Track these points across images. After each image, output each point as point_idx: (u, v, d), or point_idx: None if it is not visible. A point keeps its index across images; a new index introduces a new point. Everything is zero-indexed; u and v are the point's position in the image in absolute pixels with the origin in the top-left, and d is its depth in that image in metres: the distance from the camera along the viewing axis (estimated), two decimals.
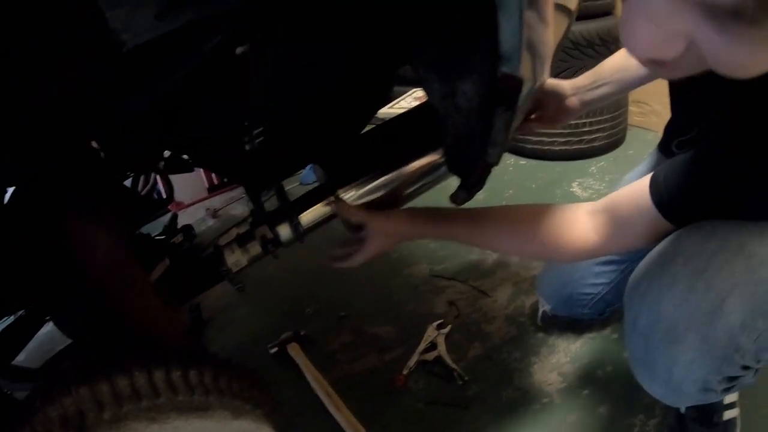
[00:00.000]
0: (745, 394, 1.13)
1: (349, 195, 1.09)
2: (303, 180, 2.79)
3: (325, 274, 1.99)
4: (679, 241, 0.82)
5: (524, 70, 0.58)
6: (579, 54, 2.44)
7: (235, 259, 1.13)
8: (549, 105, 1.23)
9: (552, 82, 1.22)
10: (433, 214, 1.04)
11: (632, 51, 0.49)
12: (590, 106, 1.25)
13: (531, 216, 0.96)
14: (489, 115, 0.62)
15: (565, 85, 1.23)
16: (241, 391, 0.77)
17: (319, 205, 1.14)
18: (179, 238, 2.55)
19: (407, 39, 0.74)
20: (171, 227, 2.54)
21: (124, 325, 0.85)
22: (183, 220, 2.66)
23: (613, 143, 2.65)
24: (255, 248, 1.14)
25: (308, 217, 1.13)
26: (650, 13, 0.44)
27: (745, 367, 0.80)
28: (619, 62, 1.21)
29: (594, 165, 2.49)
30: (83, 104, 0.69)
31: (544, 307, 1.50)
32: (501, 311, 1.64)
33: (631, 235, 0.88)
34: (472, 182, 0.84)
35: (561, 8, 0.81)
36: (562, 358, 1.45)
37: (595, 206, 0.92)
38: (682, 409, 1.16)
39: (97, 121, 0.74)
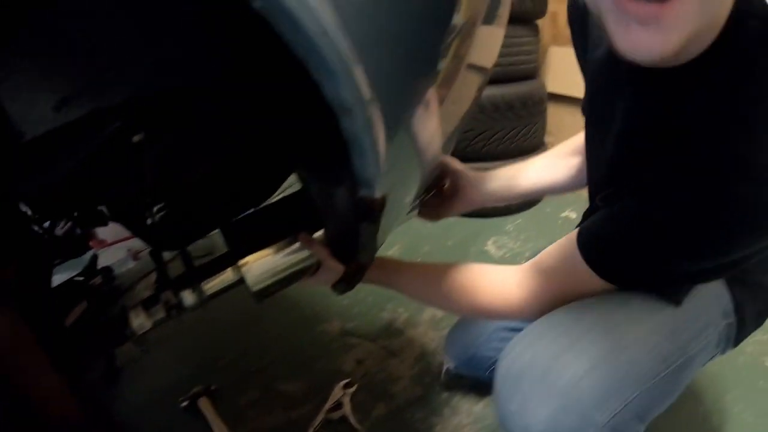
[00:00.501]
0: None
1: (251, 264, 1.13)
2: None
3: (239, 325, 2.00)
4: (551, 319, 0.90)
5: (391, 186, 0.64)
6: (499, 116, 2.52)
7: (140, 322, 1.14)
8: (447, 191, 1.30)
9: (456, 169, 1.28)
10: (382, 262, 1.10)
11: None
12: (492, 202, 1.32)
13: (464, 273, 1.04)
14: (355, 223, 0.67)
15: (468, 174, 1.29)
16: None
17: (227, 271, 1.17)
18: (98, 279, 2.52)
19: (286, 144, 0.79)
20: (90, 268, 2.49)
21: (20, 405, 0.85)
22: (104, 259, 2.61)
23: (530, 201, 2.73)
24: (159, 312, 1.16)
25: (212, 284, 1.16)
26: None
27: None
28: (531, 165, 1.31)
29: (510, 223, 2.57)
30: None
31: (449, 365, 1.55)
32: (407, 371, 1.68)
33: (554, 293, 0.94)
34: (350, 276, 0.88)
35: (474, 67, 0.87)
36: (464, 419, 1.49)
37: (525, 268, 0.99)
38: None
39: None
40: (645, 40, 0.63)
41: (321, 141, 0.68)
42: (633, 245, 0.81)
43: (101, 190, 0.91)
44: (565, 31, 3.47)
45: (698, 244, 0.76)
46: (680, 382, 0.94)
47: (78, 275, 2.40)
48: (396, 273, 1.10)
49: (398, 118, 0.63)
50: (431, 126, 0.77)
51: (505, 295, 0.99)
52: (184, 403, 1.63)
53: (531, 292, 0.96)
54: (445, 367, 1.58)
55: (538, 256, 0.98)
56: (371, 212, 0.63)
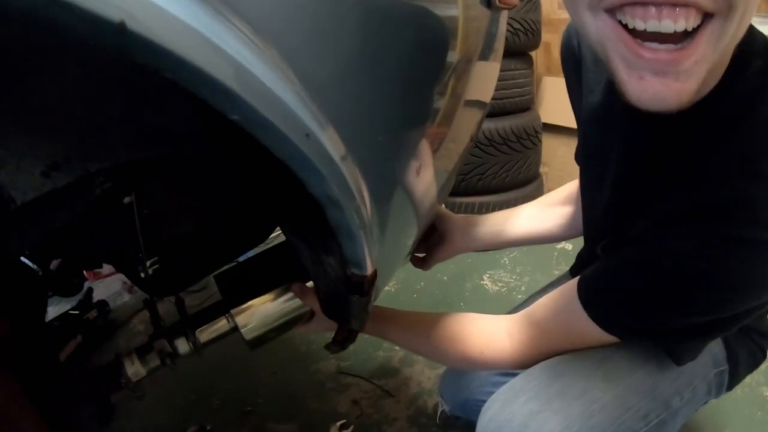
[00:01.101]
0: None
1: (245, 312, 1.13)
2: None
3: (233, 365, 1.99)
4: (533, 375, 0.89)
5: (383, 256, 0.65)
6: (494, 150, 2.54)
7: (135, 370, 1.14)
8: (433, 238, 1.31)
9: (442, 216, 1.28)
10: (374, 312, 1.09)
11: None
12: (477, 248, 1.32)
13: (454, 324, 1.03)
14: (345, 296, 0.68)
15: (455, 221, 1.29)
16: None
17: (221, 319, 1.17)
18: (93, 313, 2.51)
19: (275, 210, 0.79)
20: (86, 301, 2.49)
21: None
22: (99, 291, 2.61)
23: None
24: (153, 360, 1.15)
25: (207, 332, 1.16)
26: None
27: None
28: (518, 213, 1.31)
29: (506, 256, 2.56)
30: None
31: (444, 407, 1.55)
32: (403, 411, 1.67)
33: (547, 345, 0.93)
34: (343, 339, 0.89)
35: (473, 102, 0.88)
36: None
37: (516, 318, 0.98)
38: None
39: None
40: (662, 90, 0.60)
41: (310, 216, 0.69)
42: (636, 298, 0.80)
43: (93, 245, 0.92)
44: (557, 61, 3.52)
45: (703, 295, 0.74)
46: None
47: (73, 309, 2.40)
48: (387, 324, 1.10)
49: (391, 187, 0.64)
50: (426, 179, 0.78)
51: (497, 346, 0.98)
52: None
53: (523, 344, 0.95)
54: (440, 410, 1.57)
55: (532, 307, 0.97)
56: (361, 287, 0.63)
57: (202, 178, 0.89)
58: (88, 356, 2.27)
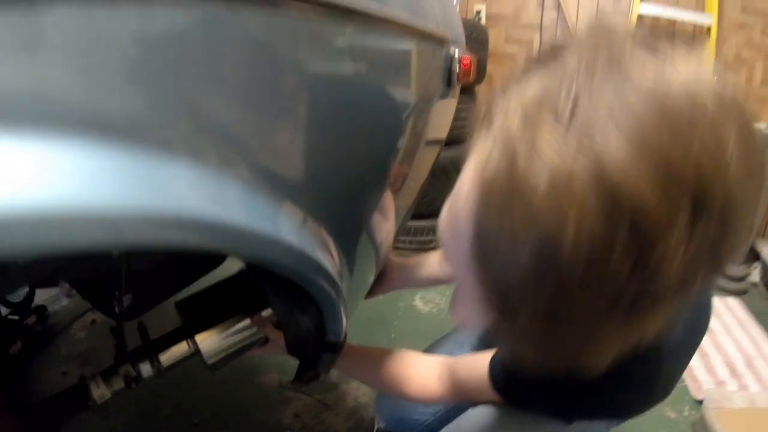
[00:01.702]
0: None
1: (204, 338, 1.22)
2: None
3: (178, 377, 2.01)
4: (459, 424, 1.04)
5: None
6: (442, 178, 2.66)
7: (100, 393, 1.20)
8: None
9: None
10: None
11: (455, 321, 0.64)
12: (412, 286, 1.45)
13: (398, 364, 1.15)
14: (318, 352, 0.79)
15: (392, 261, 1.41)
16: None
17: (182, 344, 1.26)
18: (33, 318, 2.49)
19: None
20: (25, 306, 2.44)
21: None
22: (36, 295, 2.57)
23: None
24: (118, 383, 1.23)
25: (168, 355, 1.25)
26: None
27: None
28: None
29: None
30: None
31: (380, 424, 1.67)
32: (342, 425, 1.79)
33: (467, 396, 1.06)
34: (307, 379, 1.00)
35: (432, 142, 0.99)
36: None
37: (446, 365, 1.09)
38: None
39: None
40: None
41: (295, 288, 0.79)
42: (534, 384, 0.90)
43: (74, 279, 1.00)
44: None
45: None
46: None
47: (11, 313, 2.36)
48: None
49: (358, 239, 0.75)
50: (389, 231, 0.90)
51: (429, 390, 1.11)
52: None
53: (447, 390, 1.08)
54: (376, 427, 1.70)
55: (459, 362, 1.09)
56: (335, 348, 0.75)
57: None
58: (29, 362, 2.27)
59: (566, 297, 0.45)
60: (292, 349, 0.95)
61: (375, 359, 1.18)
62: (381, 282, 1.41)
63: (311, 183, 0.61)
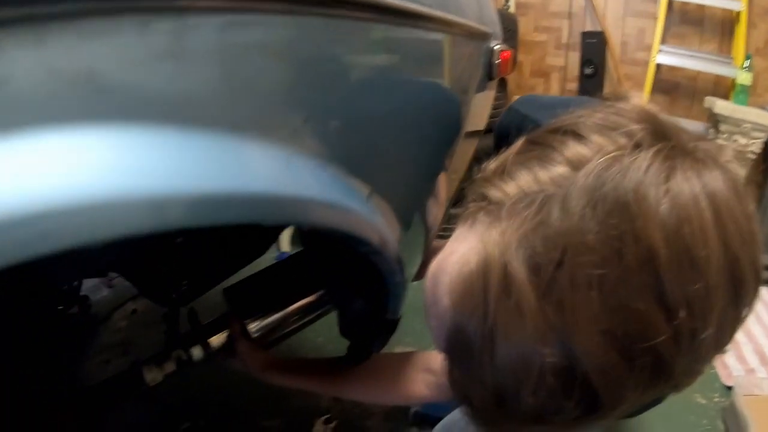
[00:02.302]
0: None
1: (252, 325, 1.27)
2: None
3: (220, 364, 2.08)
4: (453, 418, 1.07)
5: None
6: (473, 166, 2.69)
7: (153, 376, 1.26)
8: None
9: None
10: (286, 365, 1.24)
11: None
12: None
13: (374, 371, 1.13)
14: (374, 330, 0.84)
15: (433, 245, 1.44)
16: None
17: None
18: (75, 309, 2.55)
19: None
20: (69, 296, 2.49)
21: None
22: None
23: None
24: (170, 367, 1.28)
25: (218, 340, 1.30)
26: None
27: None
28: None
29: None
30: None
31: (415, 407, 1.72)
32: (380, 408, 1.83)
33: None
34: (358, 359, 1.04)
35: (470, 134, 1.03)
36: None
37: (427, 367, 1.08)
38: None
39: None
40: None
41: (354, 276, 0.83)
42: None
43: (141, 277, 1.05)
44: (529, 81, 3.71)
45: None
46: None
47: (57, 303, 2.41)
48: (302, 377, 1.22)
49: (416, 233, 0.79)
50: (437, 215, 0.94)
51: (418, 395, 1.09)
52: None
53: (438, 393, 1.06)
54: (412, 410, 1.74)
55: (437, 365, 1.05)
56: (391, 327, 0.79)
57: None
58: (73, 351, 2.33)
59: (517, 418, 0.47)
60: (345, 331, 0.99)
61: (342, 371, 1.16)
62: (426, 266, 1.42)
63: (376, 162, 0.64)
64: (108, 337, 2.42)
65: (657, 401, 0.99)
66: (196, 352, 1.29)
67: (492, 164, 0.54)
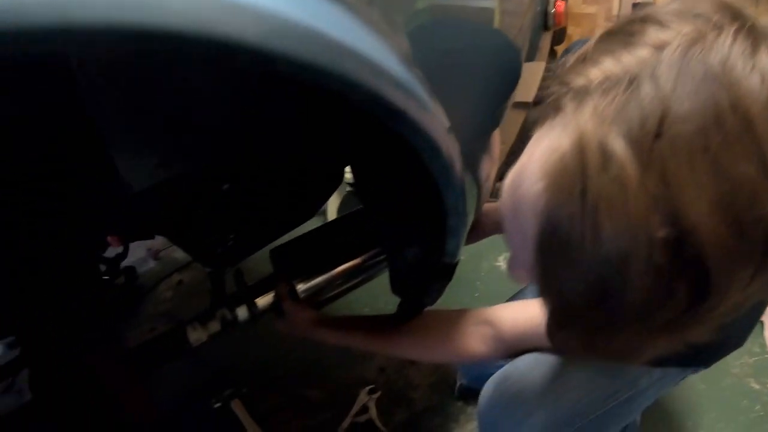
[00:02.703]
0: None
1: (300, 286, 1.24)
2: None
3: (262, 333, 2.07)
4: (520, 364, 1.04)
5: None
6: (519, 140, 2.64)
7: (197, 336, 1.25)
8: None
9: None
10: (336, 322, 1.21)
11: (512, 278, 0.66)
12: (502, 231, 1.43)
13: (426, 326, 1.09)
14: (429, 279, 0.80)
15: (486, 207, 1.40)
16: None
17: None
18: (121, 279, 2.59)
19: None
20: (114, 267, 2.53)
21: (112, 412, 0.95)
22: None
23: None
24: (215, 326, 1.26)
25: (263, 301, 1.28)
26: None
27: None
28: None
29: None
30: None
31: (462, 380, 1.69)
32: (425, 379, 1.80)
33: (520, 349, 1.04)
34: (409, 314, 1.00)
35: (519, 104, 0.99)
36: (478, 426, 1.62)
37: (485, 319, 1.05)
38: None
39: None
40: None
41: (406, 216, 0.79)
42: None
43: (185, 228, 1.03)
44: None
45: None
46: (634, 409, 1.06)
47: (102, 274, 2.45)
48: (350, 333, 1.19)
49: (470, 188, 0.76)
50: (489, 174, 0.90)
51: (472, 351, 1.06)
52: (217, 405, 1.74)
53: (495, 348, 1.04)
54: (458, 383, 1.71)
55: (496, 315, 1.04)
56: (448, 272, 0.75)
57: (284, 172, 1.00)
58: (118, 321, 2.36)
59: (619, 321, 0.46)
60: (396, 286, 0.95)
61: (399, 330, 1.12)
62: (476, 229, 1.39)
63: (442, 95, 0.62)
64: (154, 308, 2.46)
65: (748, 327, 0.97)
66: (241, 312, 1.27)
67: (571, 58, 0.52)
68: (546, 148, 0.47)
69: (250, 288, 1.29)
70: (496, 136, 0.91)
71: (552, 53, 2.76)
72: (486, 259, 2.50)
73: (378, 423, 1.62)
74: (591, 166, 0.42)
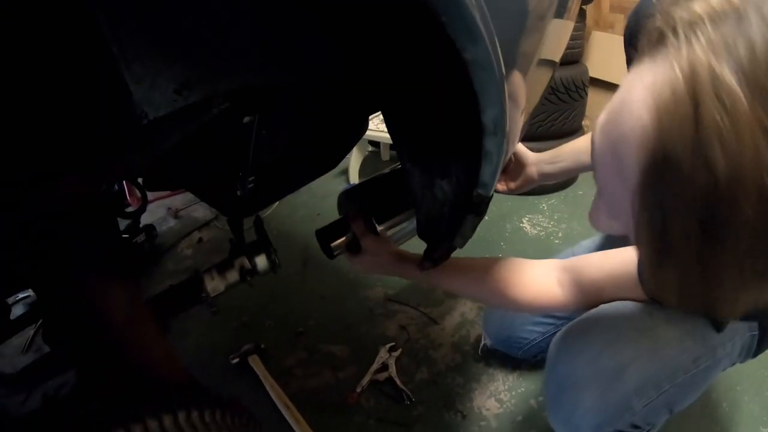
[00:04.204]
0: None
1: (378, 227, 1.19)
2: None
3: (283, 290, 2.08)
4: (602, 313, 0.97)
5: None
6: (542, 99, 2.58)
7: (214, 285, 1.21)
8: (511, 170, 1.38)
9: (518, 150, 1.35)
10: (418, 258, 1.15)
11: (596, 228, 0.62)
12: (547, 180, 1.38)
13: (506, 271, 1.08)
14: (460, 216, 0.75)
15: (529, 155, 1.37)
16: (243, 425, 0.87)
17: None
18: (141, 237, 2.59)
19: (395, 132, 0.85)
20: (134, 226, 2.53)
21: (135, 366, 0.92)
22: (143, 217, 2.66)
23: (564, 183, 2.80)
24: (233, 276, 1.23)
25: (339, 241, 1.23)
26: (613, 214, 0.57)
27: (636, 426, 0.97)
28: (580, 146, 1.34)
29: (544, 202, 2.62)
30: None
31: (486, 341, 1.66)
32: (447, 339, 1.78)
33: (597, 298, 1.00)
34: (438, 257, 0.96)
35: (546, 62, 0.94)
36: (500, 386, 1.60)
37: (564, 268, 1.03)
38: None
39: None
40: None
41: (439, 143, 0.75)
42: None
43: (206, 165, 0.98)
44: (609, 17, 3.53)
45: None
46: (707, 380, 1.01)
47: (122, 232, 2.46)
48: (437, 271, 1.12)
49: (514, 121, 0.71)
50: (517, 122, 0.85)
51: (548, 295, 1.04)
52: (235, 360, 1.74)
53: (574, 295, 1.02)
54: (482, 343, 1.68)
55: (583, 263, 1.02)
56: (481, 207, 0.71)
57: (307, 107, 0.95)
58: (138, 278, 2.36)
59: (722, 265, 0.45)
60: (425, 228, 0.91)
61: (482, 269, 1.11)
62: (518, 178, 1.39)
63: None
64: (174, 265, 2.46)
65: None
66: (261, 261, 1.23)
67: None
68: (652, 81, 0.46)
69: (324, 230, 1.25)
70: (521, 85, 0.85)
71: (581, 13, 2.68)
72: (510, 221, 2.46)
73: (398, 381, 1.59)
74: (704, 97, 0.41)
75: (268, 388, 1.61)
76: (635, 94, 0.48)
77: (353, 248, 1.21)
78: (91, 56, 0.58)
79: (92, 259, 0.92)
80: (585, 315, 1.03)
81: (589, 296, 1.01)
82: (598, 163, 0.54)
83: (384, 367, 1.65)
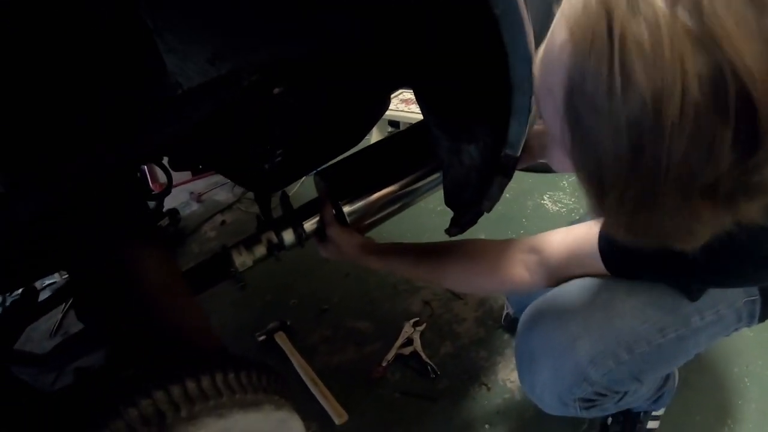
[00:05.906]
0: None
1: (347, 208, 1.22)
2: None
3: (307, 269, 2.10)
4: (563, 289, 0.99)
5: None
6: None
7: (242, 260, 1.23)
8: None
9: None
10: (383, 248, 1.17)
11: (555, 169, 0.63)
12: (544, 157, 1.37)
13: (469, 259, 1.07)
14: (488, 178, 0.76)
15: (536, 129, 1.36)
16: (278, 387, 0.89)
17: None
18: (165, 221, 2.61)
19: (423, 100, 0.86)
20: (157, 210, 2.55)
21: (170, 334, 0.94)
22: (166, 202, 2.68)
23: None
24: (260, 250, 1.24)
25: (309, 224, 1.26)
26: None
27: (601, 394, 0.98)
28: None
29: (565, 180, 2.60)
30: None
31: (509, 310, 1.67)
32: (471, 313, 1.79)
33: (563, 276, 1.00)
34: (465, 222, 0.97)
35: None
36: None
37: (531, 247, 1.02)
38: (608, 420, 1.35)
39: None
40: None
41: (470, 97, 0.75)
42: (654, 261, 0.84)
43: (235, 138, 1.00)
44: None
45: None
46: (685, 349, 1.00)
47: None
48: (400, 262, 1.15)
49: None
50: None
51: (516, 279, 1.03)
52: (262, 338, 1.77)
53: (539, 275, 1.02)
54: (505, 312, 1.69)
55: (545, 244, 1.01)
56: (509, 168, 0.72)
57: (335, 82, 0.96)
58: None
59: (659, 182, 0.43)
60: (451, 194, 0.92)
61: (442, 256, 1.10)
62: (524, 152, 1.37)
63: None
64: (199, 246, 2.50)
65: None
66: (288, 235, 1.25)
67: None
68: (568, 7, 0.45)
69: (296, 212, 1.27)
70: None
71: None
72: (531, 198, 2.46)
73: (423, 355, 1.61)
74: (616, 6, 0.39)
75: (295, 364, 1.64)
76: (556, 20, 0.47)
77: (321, 236, 1.24)
78: (127, 30, 0.59)
79: (127, 227, 0.94)
80: (549, 292, 1.03)
81: (556, 274, 1.01)
82: (538, 98, 0.53)
83: (409, 341, 1.67)
